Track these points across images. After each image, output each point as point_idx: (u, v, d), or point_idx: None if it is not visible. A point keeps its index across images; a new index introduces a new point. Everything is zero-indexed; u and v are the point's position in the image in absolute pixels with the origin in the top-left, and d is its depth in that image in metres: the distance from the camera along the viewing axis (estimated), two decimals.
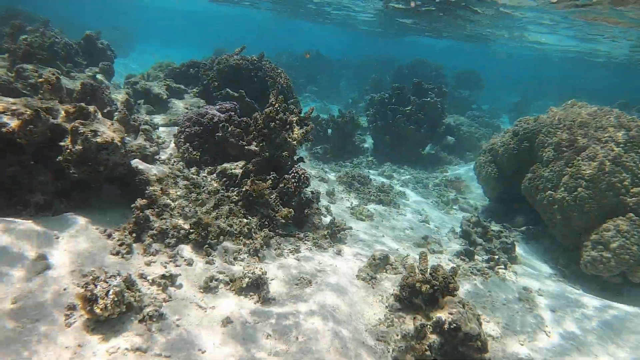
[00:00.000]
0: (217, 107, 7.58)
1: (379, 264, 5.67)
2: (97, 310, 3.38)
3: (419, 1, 17.12)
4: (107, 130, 4.72)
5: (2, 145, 4.28)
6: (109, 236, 4.53)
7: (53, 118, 4.86)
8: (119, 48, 23.71)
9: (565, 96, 10.03)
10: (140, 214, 4.69)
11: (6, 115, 4.28)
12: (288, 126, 6.29)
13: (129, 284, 3.78)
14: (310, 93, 25.60)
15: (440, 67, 25.47)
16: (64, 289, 3.69)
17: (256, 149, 6.45)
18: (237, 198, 5.81)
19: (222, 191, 6.06)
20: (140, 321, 3.65)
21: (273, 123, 6.19)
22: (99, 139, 4.53)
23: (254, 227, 5.50)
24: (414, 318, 4.46)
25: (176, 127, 7.64)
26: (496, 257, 6.69)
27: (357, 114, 14.43)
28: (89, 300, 3.42)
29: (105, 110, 6.56)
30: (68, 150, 4.51)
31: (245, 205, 5.75)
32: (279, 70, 10.34)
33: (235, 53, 9.97)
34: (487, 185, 9.54)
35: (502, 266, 6.55)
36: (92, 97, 6.68)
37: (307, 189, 6.63)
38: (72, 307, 3.51)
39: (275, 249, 5.44)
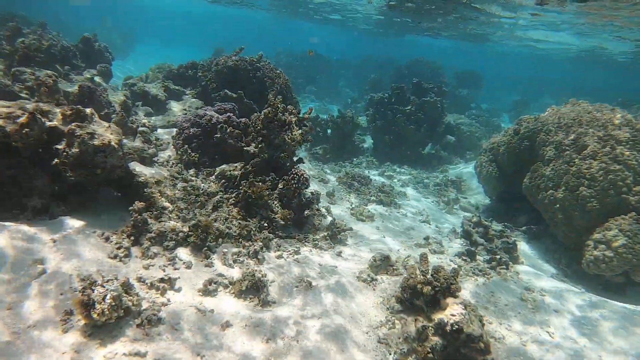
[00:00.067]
0: (216, 108, 7.54)
1: (380, 265, 5.62)
2: (94, 315, 3.33)
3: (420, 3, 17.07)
4: (104, 133, 4.68)
5: None
6: (107, 239, 4.49)
7: (49, 121, 4.81)
8: (117, 50, 23.73)
9: (565, 95, 9.99)
10: (138, 216, 4.65)
11: (2, 118, 4.24)
12: (287, 127, 6.25)
13: (127, 288, 3.74)
14: (309, 93, 25.56)
15: (439, 67, 25.43)
16: (61, 294, 3.64)
17: (255, 150, 6.41)
18: (236, 200, 5.76)
19: (221, 193, 6.02)
20: (139, 325, 3.61)
21: (272, 124, 6.15)
22: (96, 142, 4.49)
23: (253, 229, 5.45)
24: (416, 320, 4.42)
25: (174, 129, 7.60)
26: (498, 257, 6.63)
27: (356, 114, 14.39)
28: (86, 305, 3.38)
29: (102, 113, 6.53)
30: (65, 153, 4.47)
31: (244, 207, 5.71)
32: (278, 71, 10.31)
33: (234, 54, 9.93)
34: (487, 185, 9.49)
35: (504, 266, 6.49)
36: (90, 99, 6.65)
37: (306, 189, 6.58)
38: (69, 312, 3.46)
39: (275, 251, 5.40)
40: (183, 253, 4.73)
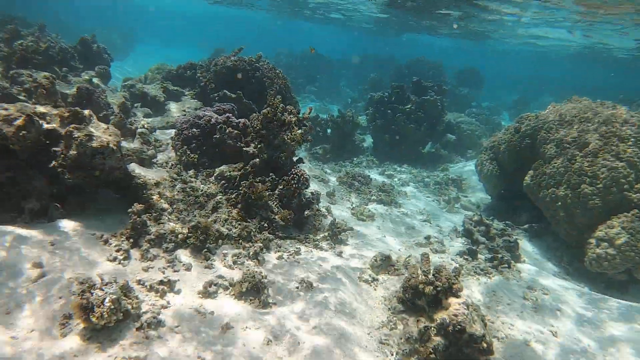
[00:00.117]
0: (215, 108, 7.51)
1: (381, 265, 5.59)
2: (93, 319, 3.30)
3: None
4: (102, 134, 4.65)
5: None
6: (106, 242, 4.46)
7: (47, 123, 4.79)
8: (117, 51, 23.71)
9: (565, 93, 9.94)
10: (137, 218, 4.62)
11: None
12: (286, 127, 6.21)
13: (126, 290, 3.71)
14: (309, 93, 25.53)
15: (440, 65, 25.37)
16: (60, 297, 3.61)
17: (254, 150, 6.38)
18: (235, 201, 5.73)
19: (220, 194, 5.99)
20: (138, 329, 3.58)
21: (271, 124, 6.12)
22: (94, 143, 4.47)
23: (253, 230, 5.42)
24: (418, 320, 4.39)
25: (174, 130, 7.57)
26: (499, 255, 6.59)
27: (356, 114, 14.35)
28: (85, 309, 3.35)
29: (101, 114, 6.51)
30: (62, 155, 4.44)
31: (244, 207, 5.68)
32: (277, 71, 10.27)
33: (233, 54, 9.90)
34: (488, 183, 9.45)
35: (506, 265, 6.46)
36: (88, 101, 6.62)
37: (306, 190, 6.55)
38: (67, 316, 3.43)
39: (275, 252, 5.36)
40: (183, 255, 4.70)
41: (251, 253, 5.01)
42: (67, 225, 4.47)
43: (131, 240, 4.54)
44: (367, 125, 14.88)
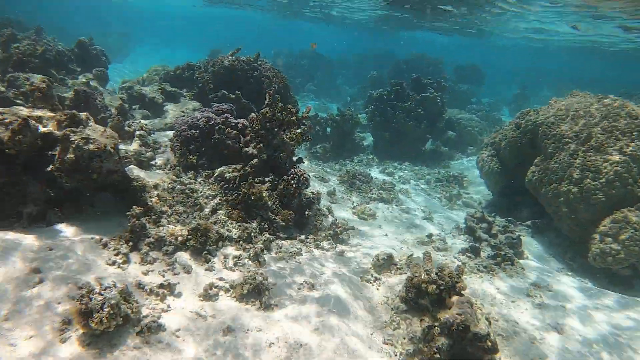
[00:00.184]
0: (213, 109, 7.46)
1: (383, 264, 5.54)
2: (93, 324, 3.26)
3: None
4: (99, 137, 4.61)
5: None
6: (105, 245, 4.41)
7: (44, 126, 4.75)
8: (114, 53, 23.66)
9: (564, 87, 9.88)
10: (136, 221, 4.57)
11: None
12: (285, 126, 6.16)
13: (126, 295, 3.66)
14: (308, 92, 25.47)
15: (439, 62, 25.28)
16: (58, 303, 3.57)
17: (254, 150, 6.33)
18: (235, 202, 5.68)
19: (220, 195, 5.95)
20: (139, 333, 3.53)
21: (269, 124, 6.07)
22: (91, 147, 4.42)
23: (254, 231, 5.38)
24: (421, 320, 4.34)
25: (172, 131, 7.52)
26: (502, 252, 6.54)
27: (356, 112, 14.30)
28: (84, 314, 3.30)
29: (99, 117, 6.46)
30: (59, 159, 4.40)
31: (244, 208, 5.63)
32: (276, 70, 10.22)
33: (231, 54, 9.84)
34: (490, 180, 9.40)
35: (509, 262, 6.41)
36: (86, 103, 6.58)
37: (307, 189, 6.50)
38: (66, 322, 3.39)
39: (276, 253, 5.32)
40: (183, 257, 4.65)
41: (252, 254, 4.96)
42: (66, 229, 4.43)
43: (130, 243, 4.49)
44: (367, 124, 14.82)
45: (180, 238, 4.76)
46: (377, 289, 5.12)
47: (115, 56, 23.61)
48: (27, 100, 6.23)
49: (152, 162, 6.42)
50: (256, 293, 4.35)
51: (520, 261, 6.59)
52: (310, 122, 12.00)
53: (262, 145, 6.18)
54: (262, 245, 5.15)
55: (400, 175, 11.54)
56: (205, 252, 4.77)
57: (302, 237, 5.89)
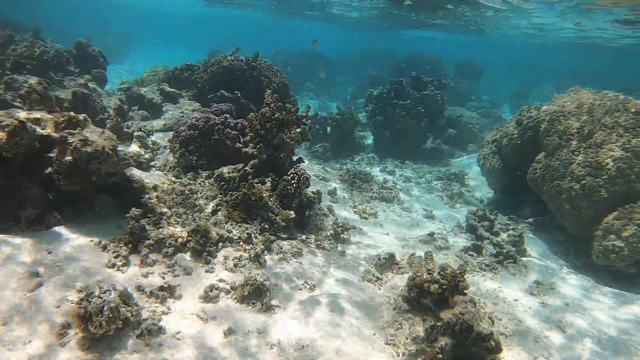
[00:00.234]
0: (212, 109, 7.42)
1: (385, 263, 5.50)
2: (92, 328, 3.23)
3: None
4: (97, 139, 4.57)
5: None
6: (104, 248, 4.38)
7: (42, 129, 4.71)
8: (114, 54, 23.62)
9: (565, 83, 9.81)
10: (136, 224, 4.54)
11: None
12: (285, 126, 6.12)
13: (126, 298, 3.63)
14: (308, 91, 25.42)
15: (439, 59, 25.19)
16: (58, 307, 3.54)
17: (253, 150, 6.29)
18: (235, 202, 5.64)
19: (220, 196, 5.91)
20: (139, 336, 3.51)
21: (269, 123, 6.02)
22: (89, 149, 4.39)
23: (254, 231, 5.34)
24: (424, 320, 4.30)
25: (171, 132, 7.48)
26: (505, 250, 6.50)
27: (356, 110, 14.25)
28: (83, 318, 3.27)
29: (97, 118, 6.43)
30: (57, 161, 4.36)
31: (244, 209, 5.59)
32: (275, 69, 10.18)
33: (230, 54, 9.79)
34: (491, 177, 9.35)
35: (512, 260, 6.36)
36: (84, 105, 6.54)
37: (307, 189, 6.46)
38: (66, 326, 3.36)
39: (277, 253, 5.28)
40: (183, 259, 4.62)
41: (252, 255, 4.92)
42: (65, 232, 4.40)
43: (130, 245, 4.46)
44: (367, 122, 14.77)
45: (180, 240, 4.72)
46: (379, 289, 5.08)
47: (115, 57, 23.60)
48: (25, 102, 6.19)
49: (152, 163, 6.39)
50: (257, 294, 4.31)
51: (523, 259, 6.55)
52: (310, 121, 11.95)
53: (261, 145, 6.15)
54: (262, 246, 5.11)
55: (401, 173, 11.50)
56: (206, 253, 4.73)
57: (303, 237, 5.85)
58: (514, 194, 8.75)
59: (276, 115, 6.02)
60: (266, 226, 5.51)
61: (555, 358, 4.37)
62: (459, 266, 4.37)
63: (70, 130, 4.45)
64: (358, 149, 13.13)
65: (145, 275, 4.23)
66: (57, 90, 7.46)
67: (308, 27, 43.56)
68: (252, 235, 5.25)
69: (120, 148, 6.02)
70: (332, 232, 6.14)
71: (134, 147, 6.49)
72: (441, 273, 4.30)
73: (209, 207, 5.61)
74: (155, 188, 5.56)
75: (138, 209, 4.68)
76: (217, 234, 5.01)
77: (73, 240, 4.32)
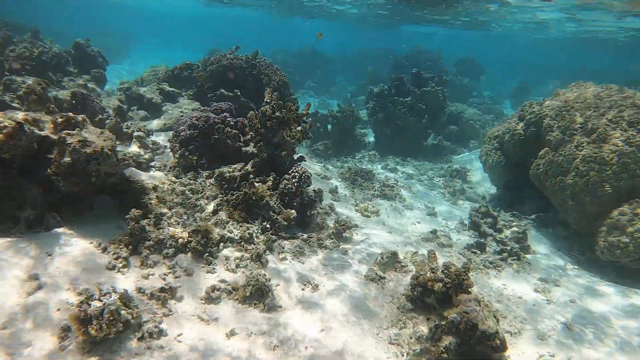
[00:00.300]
0: (212, 108, 7.37)
1: (388, 262, 5.45)
2: (92, 332, 3.19)
3: None
4: (96, 140, 4.53)
5: None
6: (104, 250, 4.34)
7: (40, 130, 4.67)
8: (114, 54, 23.57)
9: (567, 78, 9.71)
10: (136, 225, 4.50)
11: None
12: (285, 124, 6.07)
13: (126, 300, 3.59)
14: (308, 89, 25.35)
15: (439, 56, 25.08)
16: (57, 310, 3.50)
17: (254, 149, 6.24)
18: (236, 202, 5.60)
19: (220, 196, 5.87)
20: (140, 339, 3.47)
21: (269, 122, 5.97)
22: (88, 149, 4.34)
23: (255, 231, 5.29)
24: (428, 319, 4.25)
25: (171, 132, 7.44)
26: (508, 247, 6.45)
27: (356, 108, 14.18)
28: (83, 321, 3.24)
29: (96, 119, 6.38)
30: (56, 162, 4.32)
31: (245, 209, 5.55)
32: (275, 67, 10.12)
33: (229, 53, 9.74)
34: (493, 173, 9.29)
35: (515, 257, 6.31)
36: (83, 105, 6.49)
37: (309, 188, 6.41)
38: (66, 329, 3.32)
39: (278, 253, 5.24)
40: (184, 260, 4.57)
41: (254, 255, 4.88)
42: (64, 233, 4.36)
43: (130, 247, 4.42)
44: (368, 120, 14.70)
45: (180, 240, 4.68)
46: (382, 288, 5.04)
47: (115, 57, 23.54)
48: (24, 103, 6.15)
49: (151, 164, 6.34)
50: (259, 295, 4.27)
51: (527, 256, 6.50)
52: (311, 119, 11.89)
53: (262, 143, 6.10)
54: (264, 246, 5.07)
55: (402, 171, 11.44)
56: (207, 254, 4.69)
57: (305, 236, 5.81)
58: (517, 190, 8.69)
59: (276, 114, 5.96)
60: (267, 226, 5.47)
61: (561, 356, 4.32)
62: (463, 264, 4.32)
63: (69, 131, 4.40)
64: (359, 147, 13.07)
65: (146, 277, 4.19)
66: (56, 91, 7.42)
67: (308, 26, 43.44)
68: (254, 235, 5.21)
69: (119, 148, 5.98)
70: (334, 230, 6.09)
71: (134, 147, 6.45)
72: (445, 271, 4.25)
73: (210, 207, 5.57)
74: (155, 188, 5.52)
75: (138, 210, 4.64)
76: (218, 234, 4.97)
77: (73, 242, 4.28)
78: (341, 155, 12.23)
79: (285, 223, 5.67)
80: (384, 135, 13.30)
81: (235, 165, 6.35)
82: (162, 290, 4.00)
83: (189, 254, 4.67)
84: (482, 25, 28.41)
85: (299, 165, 6.38)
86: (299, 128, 6.15)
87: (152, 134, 7.62)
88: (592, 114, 6.73)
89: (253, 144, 6.27)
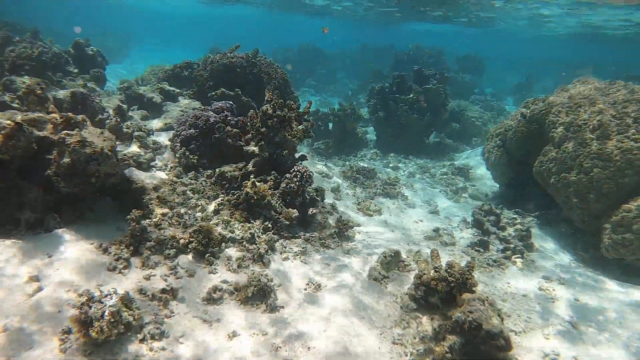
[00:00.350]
0: (213, 107, 7.32)
1: (390, 261, 5.41)
2: (93, 334, 3.16)
3: None
4: (96, 140, 4.49)
5: None
6: (105, 251, 4.31)
7: (40, 130, 4.64)
8: (114, 54, 23.54)
9: (569, 75, 9.63)
10: (137, 225, 4.46)
11: None
12: (286, 123, 6.02)
13: (127, 301, 3.56)
14: (309, 87, 25.29)
15: (440, 53, 24.96)
16: (59, 312, 3.47)
17: (255, 149, 6.20)
18: (237, 201, 5.56)
19: (222, 195, 5.83)
20: (141, 341, 3.44)
21: (270, 121, 5.93)
22: (87, 150, 4.31)
23: (257, 231, 5.26)
24: (432, 318, 4.22)
25: (172, 131, 7.40)
26: (512, 245, 6.40)
27: (358, 106, 14.12)
28: (84, 323, 3.21)
29: (96, 119, 6.35)
30: (56, 163, 4.29)
31: (247, 208, 5.51)
32: (275, 66, 10.06)
33: (229, 51, 9.68)
34: (496, 171, 9.23)
35: (519, 255, 6.27)
36: (83, 105, 6.46)
37: (310, 187, 6.37)
38: (67, 331, 3.29)
39: (280, 253, 5.20)
40: (185, 261, 4.54)
41: (256, 255, 4.85)
42: (65, 235, 4.33)
43: (131, 248, 4.39)
44: (369, 118, 14.64)
45: (182, 241, 4.65)
46: (385, 287, 5.00)
47: (115, 57, 23.53)
48: (23, 104, 6.12)
49: (152, 164, 6.30)
50: (261, 295, 4.24)
51: (531, 254, 6.45)
52: (312, 117, 11.85)
53: (263, 143, 6.06)
54: (266, 246, 5.03)
55: (404, 169, 11.39)
56: (208, 254, 4.66)
57: (307, 235, 5.77)
58: (520, 188, 8.63)
59: (277, 113, 5.92)
60: (269, 225, 5.43)
61: (566, 354, 4.28)
62: (466, 263, 4.28)
63: (68, 132, 4.37)
64: (361, 145, 13.02)
65: (147, 278, 4.16)
66: (55, 91, 7.38)
67: (308, 24, 43.32)
68: (255, 234, 5.17)
69: (119, 148, 5.95)
70: (336, 229, 6.06)
71: (134, 147, 6.41)
72: (448, 270, 4.21)
73: (211, 207, 5.53)
74: (156, 188, 5.49)
75: (138, 210, 4.60)
76: (220, 234, 4.93)
77: (73, 243, 4.25)
78: (343, 153, 12.18)
79: (287, 222, 5.64)
80: (386, 133, 13.24)
81: (236, 165, 6.32)
82: (163, 291, 3.97)
83: (191, 255, 4.64)
84: (487, 22, 28.24)
85: (301, 164, 6.34)
86: (300, 127, 6.11)
87: (152, 134, 7.58)
88: (595, 110, 6.67)
89: (254, 143, 6.23)
